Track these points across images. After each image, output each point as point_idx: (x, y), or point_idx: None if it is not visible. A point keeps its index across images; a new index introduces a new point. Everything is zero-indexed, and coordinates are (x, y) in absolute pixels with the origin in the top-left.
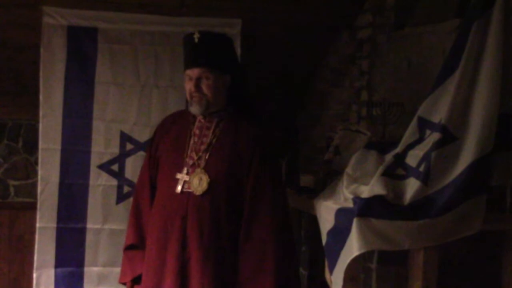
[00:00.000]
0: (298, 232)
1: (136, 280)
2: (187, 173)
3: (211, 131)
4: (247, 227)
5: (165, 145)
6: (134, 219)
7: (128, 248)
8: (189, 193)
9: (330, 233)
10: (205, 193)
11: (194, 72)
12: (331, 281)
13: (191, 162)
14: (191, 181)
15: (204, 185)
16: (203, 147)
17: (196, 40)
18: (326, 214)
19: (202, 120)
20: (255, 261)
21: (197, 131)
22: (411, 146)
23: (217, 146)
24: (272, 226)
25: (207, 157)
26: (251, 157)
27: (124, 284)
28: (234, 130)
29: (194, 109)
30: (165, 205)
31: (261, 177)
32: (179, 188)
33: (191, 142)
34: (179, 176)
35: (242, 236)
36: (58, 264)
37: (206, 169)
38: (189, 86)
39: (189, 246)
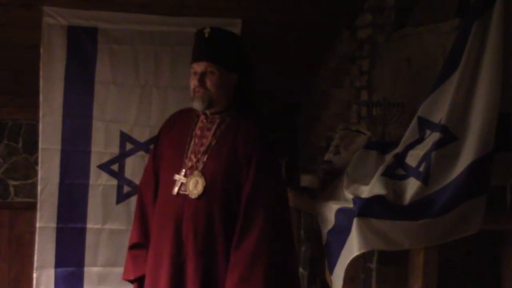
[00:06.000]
0: (298, 232)
1: (140, 279)
2: (185, 175)
3: (212, 132)
4: (240, 234)
5: (167, 144)
6: (138, 218)
7: (133, 247)
8: (185, 195)
9: (330, 233)
10: (200, 197)
11: (199, 66)
12: (331, 281)
13: (189, 164)
14: (187, 183)
15: (200, 188)
16: (202, 149)
17: (207, 35)
18: (326, 214)
19: (204, 121)
20: (243, 269)
21: (198, 132)
22: (411, 146)
23: (216, 149)
24: (266, 234)
25: (205, 159)
26: (249, 162)
27: (129, 281)
28: (234, 132)
29: (196, 105)
30: (162, 207)
31: (258, 184)
32: (175, 190)
33: (192, 143)
34: (177, 177)
35: (235, 242)
36: (58, 264)
37: (203, 172)
38: (193, 81)
39: (184, 248)
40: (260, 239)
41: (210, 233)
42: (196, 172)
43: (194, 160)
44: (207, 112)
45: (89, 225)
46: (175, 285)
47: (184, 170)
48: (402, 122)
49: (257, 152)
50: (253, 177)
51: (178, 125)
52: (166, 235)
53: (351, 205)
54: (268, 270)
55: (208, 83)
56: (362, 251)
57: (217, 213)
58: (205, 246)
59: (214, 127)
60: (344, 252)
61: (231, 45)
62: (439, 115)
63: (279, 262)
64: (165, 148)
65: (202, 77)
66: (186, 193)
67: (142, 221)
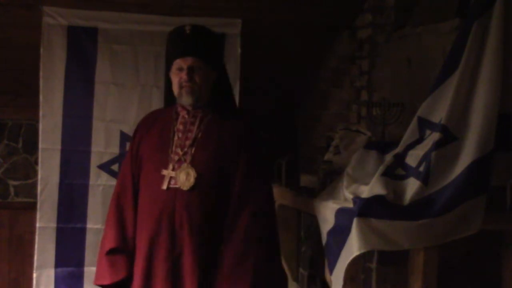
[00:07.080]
0: (298, 232)
1: (117, 285)
2: (173, 169)
3: (196, 126)
4: (231, 223)
5: (147, 144)
6: (116, 222)
7: (110, 252)
8: (176, 189)
9: (330, 233)
10: (192, 188)
11: (187, 61)
12: (331, 281)
13: (176, 158)
14: (177, 176)
15: (192, 180)
16: (188, 142)
17: (188, 31)
18: (326, 214)
19: (186, 116)
20: (235, 257)
21: (180, 127)
22: (411, 146)
23: (203, 140)
24: (257, 223)
25: (193, 152)
26: (238, 153)
27: (102, 286)
28: (219, 124)
29: (186, 99)
30: (151, 203)
31: (249, 173)
32: (165, 184)
33: (175, 138)
34: (164, 172)
35: (226, 233)
36: (58, 264)
37: (193, 164)
38: (179, 76)
39: (179, 242)
40: (246, 238)
41: (205, 224)
42: (185, 165)
43: (181, 153)
44: (190, 107)
45: (89, 225)
46: (173, 279)
47: (171, 165)
48: (402, 122)
49: (246, 143)
50: (244, 166)
51: (156, 124)
52: (159, 230)
53: (351, 205)
54: (260, 256)
55: (197, 78)
56: (362, 251)
57: (211, 203)
58: (202, 236)
59: (198, 121)
60: (344, 252)
61: (212, 42)
62: (439, 115)
63: (270, 248)
64: (145, 148)
65: (190, 72)
66: (177, 186)
67: (120, 225)
